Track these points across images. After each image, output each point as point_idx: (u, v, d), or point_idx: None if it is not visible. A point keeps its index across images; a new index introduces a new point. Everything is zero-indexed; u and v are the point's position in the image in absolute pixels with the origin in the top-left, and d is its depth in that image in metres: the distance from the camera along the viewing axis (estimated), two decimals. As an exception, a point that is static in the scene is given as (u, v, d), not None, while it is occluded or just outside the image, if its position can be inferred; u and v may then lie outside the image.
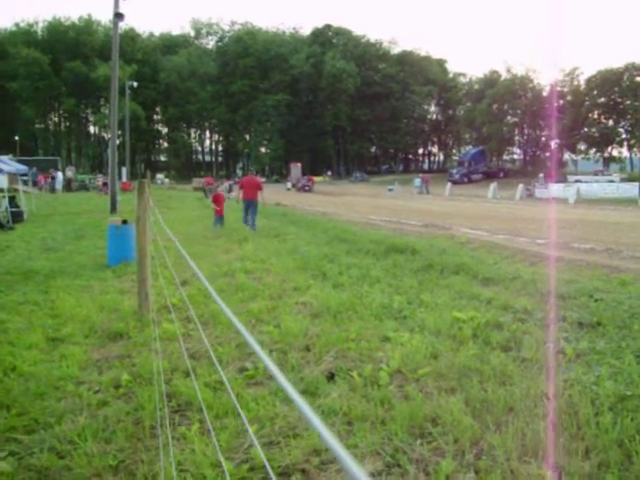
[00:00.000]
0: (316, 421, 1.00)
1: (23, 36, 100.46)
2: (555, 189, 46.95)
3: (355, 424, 4.49)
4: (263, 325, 7.43)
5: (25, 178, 39.34)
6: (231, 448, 4.18)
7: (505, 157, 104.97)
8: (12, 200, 23.64)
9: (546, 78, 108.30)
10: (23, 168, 31.19)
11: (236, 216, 21.78)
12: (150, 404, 4.83)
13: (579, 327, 6.90)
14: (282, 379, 1.18)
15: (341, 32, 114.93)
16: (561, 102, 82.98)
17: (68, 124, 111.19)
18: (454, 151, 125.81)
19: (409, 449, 4.10)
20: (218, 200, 21.08)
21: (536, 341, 6.31)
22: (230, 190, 43.38)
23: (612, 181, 51.86)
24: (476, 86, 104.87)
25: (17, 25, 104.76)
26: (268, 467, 1.55)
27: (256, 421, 4.52)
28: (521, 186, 49.59)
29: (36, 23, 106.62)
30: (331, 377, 5.54)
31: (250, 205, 19.89)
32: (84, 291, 9.99)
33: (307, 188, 63.08)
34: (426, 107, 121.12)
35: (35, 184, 51.36)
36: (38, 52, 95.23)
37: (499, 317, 7.31)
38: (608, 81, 79.13)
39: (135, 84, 62.65)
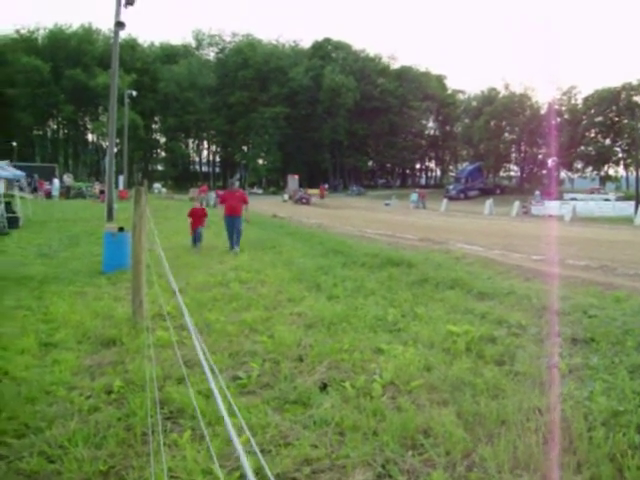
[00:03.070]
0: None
1: (24, 43, 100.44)
2: (551, 206, 47.11)
3: (347, 434, 4.47)
4: (257, 335, 7.42)
5: (22, 184, 39.35)
6: (223, 455, 4.16)
7: (502, 174, 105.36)
8: (8, 205, 23.66)
9: (544, 96, 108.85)
10: (20, 174, 31.21)
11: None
12: (142, 410, 4.81)
13: (573, 343, 6.90)
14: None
15: (341, 46, 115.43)
16: (558, 120, 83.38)
17: (66, 131, 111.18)
18: (451, 167, 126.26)
19: (400, 460, 4.09)
20: (195, 215, 18.01)
21: (530, 356, 6.30)
22: (215, 204, 41.51)
23: (608, 199, 52.10)
24: (474, 103, 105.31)
25: (18, 32, 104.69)
26: (248, 472, 1.54)
27: (247, 430, 4.51)
28: (517, 203, 49.75)
29: (37, 30, 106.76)
30: (324, 387, 5.53)
31: (234, 222, 17.01)
32: (78, 297, 9.98)
33: (304, 200, 63.04)
34: (424, 122, 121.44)
35: (35, 190, 51.49)
36: (39, 60, 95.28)
37: (493, 331, 7.30)
38: (605, 100, 79.63)
39: (134, 93, 62.60)
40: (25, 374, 5.83)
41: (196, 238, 17.69)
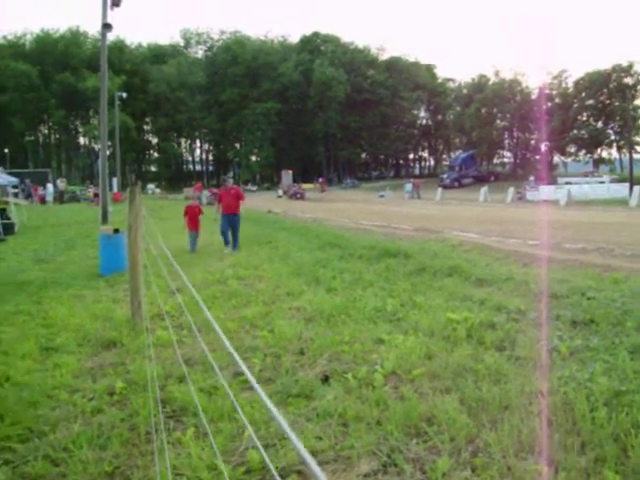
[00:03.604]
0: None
1: (11, 49, 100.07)
2: (546, 191, 47.09)
3: (351, 425, 4.48)
4: (257, 330, 7.43)
5: (16, 190, 39.32)
6: (227, 451, 4.17)
7: (495, 161, 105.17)
8: (3, 212, 23.63)
9: (534, 81, 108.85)
10: (14, 180, 31.17)
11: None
12: (145, 410, 4.82)
13: (572, 325, 6.92)
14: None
15: (329, 39, 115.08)
16: (550, 105, 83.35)
17: (58, 136, 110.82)
18: (444, 156, 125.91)
19: (405, 448, 4.10)
20: (190, 213, 17.32)
21: (530, 340, 6.32)
22: (209, 203, 40.68)
23: (602, 182, 52.12)
24: (465, 91, 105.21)
25: (5, 38, 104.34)
26: (270, 465, 1.55)
27: (251, 424, 4.51)
28: (512, 189, 49.73)
29: (24, 36, 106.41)
30: (326, 380, 5.54)
31: (231, 221, 16.72)
32: (77, 301, 9.97)
33: (299, 195, 62.90)
34: (416, 112, 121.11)
35: (30, 196, 51.55)
36: (27, 65, 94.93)
37: (493, 317, 7.31)
38: (596, 83, 79.56)
39: (124, 95, 62.47)
40: (27, 378, 5.83)
41: (193, 241, 16.99)
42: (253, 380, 1.63)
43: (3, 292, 10.77)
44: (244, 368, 1.74)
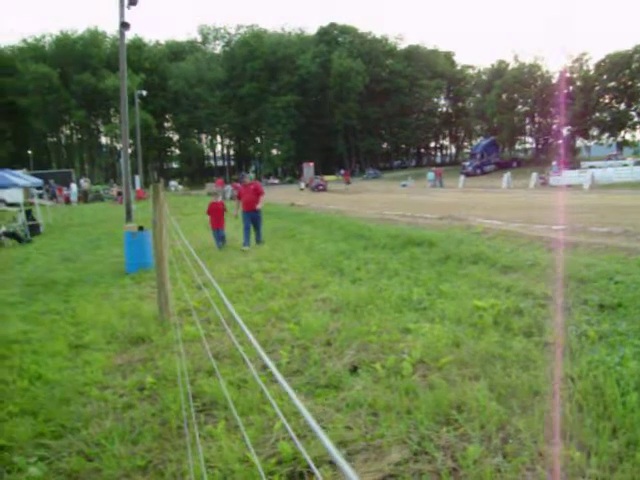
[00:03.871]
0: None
1: (31, 52, 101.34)
2: (569, 176, 46.63)
3: (380, 414, 4.49)
4: (284, 323, 7.45)
5: (40, 192, 39.72)
6: (258, 443, 4.19)
7: (517, 147, 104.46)
8: (29, 213, 23.90)
9: (554, 65, 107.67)
10: (37, 181, 31.47)
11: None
12: (175, 404, 4.87)
13: (600, 309, 6.86)
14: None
15: (347, 30, 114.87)
16: (571, 88, 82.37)
17: (80, 136, 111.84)
18: (465, 143, 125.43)
19: (435, 436, 4.10)
20: (213, 211, 16.52)
21: (558, 325, 6.28)
22: (232, 197, 38.38)
23: (626, 165, 51.45)
24: (484, 77, 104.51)
25: (25, 41, 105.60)
26: (305, 455, 1.57)
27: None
28: (535, 175, 49.30)
29: (43, 38, 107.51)
30: (354, 370, 5.55)
31: (253, 217, 16.15)
32: (104, 298, 10.06)
33: (321, 187, 62.72)
34: (435, 100, 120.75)
35: (54, 196, 52.20)
36: (47, 67, 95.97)
37: (519, 303, 7.28)
38: (617, 64, 78.45)
39: (144, 93, 62.84)
40: (58, 376, 5.90)
41: (219, 239, 16.46)
42: (277, 373, 1.64)
43: (32, 292, 10.91)
44: (268, 361, 1.75)
